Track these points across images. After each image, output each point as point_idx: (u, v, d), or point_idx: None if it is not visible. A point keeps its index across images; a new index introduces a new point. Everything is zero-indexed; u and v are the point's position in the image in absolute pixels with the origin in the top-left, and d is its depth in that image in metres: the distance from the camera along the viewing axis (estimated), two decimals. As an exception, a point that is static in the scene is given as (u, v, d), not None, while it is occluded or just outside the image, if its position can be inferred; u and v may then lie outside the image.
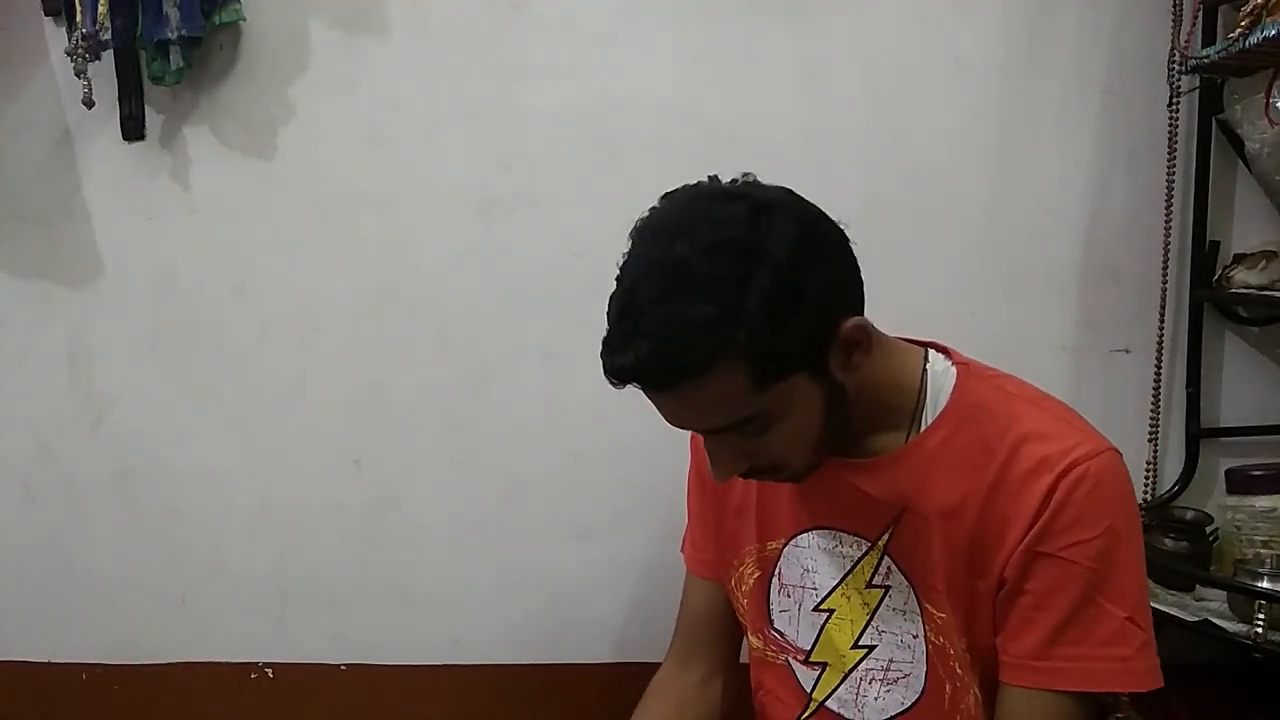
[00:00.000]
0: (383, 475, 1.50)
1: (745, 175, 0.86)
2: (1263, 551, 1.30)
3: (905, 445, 0.90)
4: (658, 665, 1.14)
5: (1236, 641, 1.18)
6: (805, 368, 0.82)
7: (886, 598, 0.94)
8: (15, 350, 1.52)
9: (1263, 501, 1.33)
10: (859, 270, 0.87)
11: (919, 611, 0.92)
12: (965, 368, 0.92)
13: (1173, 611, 1.25)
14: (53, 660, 1.56)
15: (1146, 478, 1.39)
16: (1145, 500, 1.34)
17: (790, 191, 0.85)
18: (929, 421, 0.90)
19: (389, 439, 1.49)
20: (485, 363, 1.46)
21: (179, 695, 1.53)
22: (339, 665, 1.52)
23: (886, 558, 0.93)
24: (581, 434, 1.46)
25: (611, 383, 0.82)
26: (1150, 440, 1.38)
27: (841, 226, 0.87)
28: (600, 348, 0.82)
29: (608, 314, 0.83)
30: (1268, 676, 1.18)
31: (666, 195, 0.86)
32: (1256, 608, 1.17)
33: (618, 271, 0.83)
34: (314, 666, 1.52)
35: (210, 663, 1.53)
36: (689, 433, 1.12)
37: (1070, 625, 0.83)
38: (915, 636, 0.93)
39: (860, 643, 0.96)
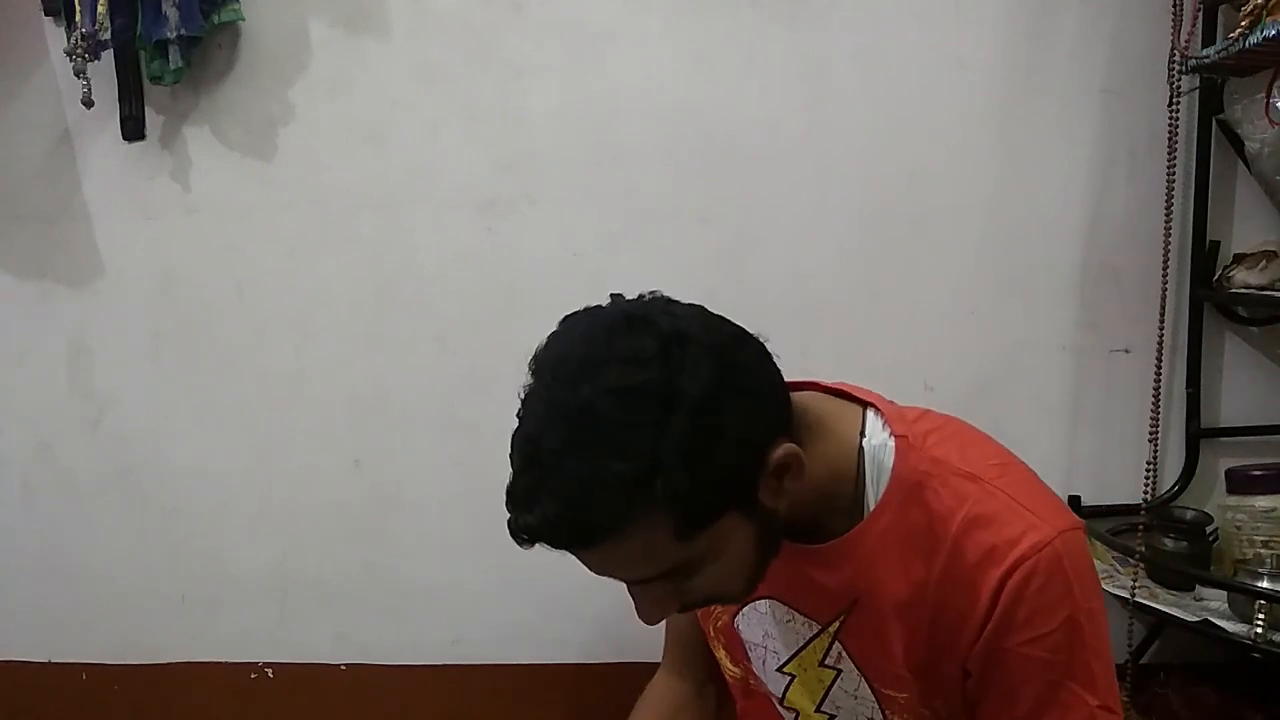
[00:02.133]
0: (383, 475, 1.50)
1: (653, 293, 0.77)
2: (1263, 551, 1.30)
3: (850, 533, 0.84)
4: (657, 665, 1.14)
5: (1236, 641, 1.18)
6: (733, 506, 0.75)
7: (838, 680, 0.91)
8: (15, 350, 1.52)
9: (1263, 501, 1.33)
10: (784, 385, 0.80)
11: (873, 698, 0.90)
12: (904, 440, 0.85)
13: (1173, 611, 1.25)
14: (53, 660, 1.56)
15: (1146, 478, 1.39)
16: (1145, 500, 1.34)
17: (703, 310, 0.77)
18: (871, 504, 0.84)
19: (389, 439, 1.49)
20: (485, 363, 1.46)
21: (179, 695, 1.53)
22: (339, 665, 1.52)
23: (837, 643, 0.89)
24: (581, 434, 1.46)
25: (519, 542, 0.74)
26: (1150, 440, 1.38)
27: (762, 340, 0.79)
28: (505, 497, 0.74)
29: (510, 456, 0.74)
30: (1268, 676, 1.18)
31: (566, 320, 0.76)
32: (1256, 608, 1.17)
33: (520, 405, 0.74)
34: (314, 666, 1.52)
35: (210, 663, 1.53)
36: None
37: (1043, 711, 0.81)
38: (870, 719, 0.91)
39: (822, 709, 0.94)
